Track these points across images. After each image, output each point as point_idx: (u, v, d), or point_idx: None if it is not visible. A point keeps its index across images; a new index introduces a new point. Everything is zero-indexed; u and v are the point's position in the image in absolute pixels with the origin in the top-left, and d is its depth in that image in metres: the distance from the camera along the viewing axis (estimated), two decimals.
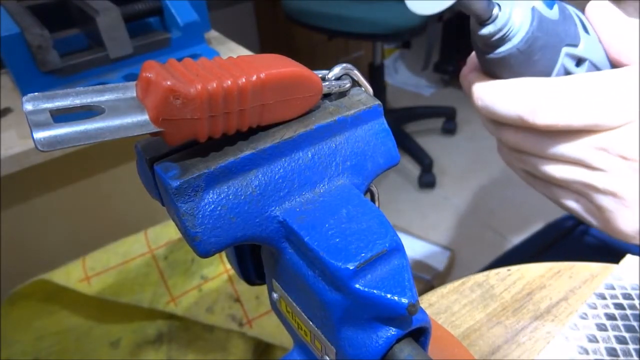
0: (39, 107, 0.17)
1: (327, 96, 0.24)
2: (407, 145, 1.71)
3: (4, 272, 0.72)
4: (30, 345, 0.58)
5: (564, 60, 0.31)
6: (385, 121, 0.24)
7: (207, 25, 0.83)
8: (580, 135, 0.31)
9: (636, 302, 0.34)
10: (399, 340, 0.20)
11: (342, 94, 0.24)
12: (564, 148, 0.32)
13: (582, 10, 0.34)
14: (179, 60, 0.19)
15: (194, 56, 0.70)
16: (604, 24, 0.33)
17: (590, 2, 0.34)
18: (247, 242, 0.21)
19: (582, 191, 0.33)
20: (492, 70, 0.32)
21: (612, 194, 0.31)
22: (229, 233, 0.20)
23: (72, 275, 0.58)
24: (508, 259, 0.68)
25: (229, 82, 0.18)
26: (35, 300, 0.59)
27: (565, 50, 0.31)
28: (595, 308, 0.34)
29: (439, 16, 1.49)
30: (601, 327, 0.32)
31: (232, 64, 0.20)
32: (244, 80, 0.19)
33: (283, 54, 0.22)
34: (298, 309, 0.23)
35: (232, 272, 0.61)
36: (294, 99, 0.21)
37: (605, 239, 0.58)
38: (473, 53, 0.36)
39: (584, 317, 0.33)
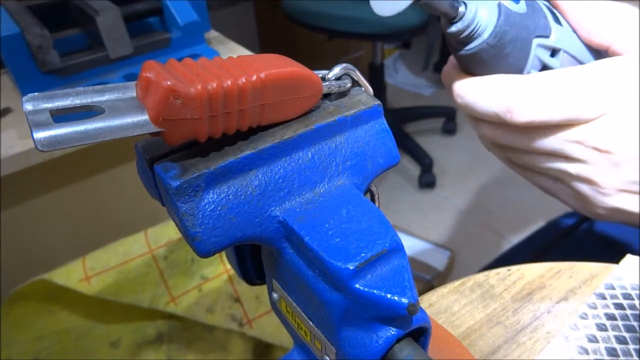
0: (39, 107, 0.17)
1: (327, 96, 0.24)
2: (407, 145, 1.71)
3: (4, 272, 0.72)
4: (30, 345, 0.58)
5: (537, 52, 0.32)
6: (385, 121, 0.24)
7: (207, 25, 0.83)
8: (557, 130, 0.32)
9: (636, 302, 0.34)
10: (399, 340, 0.20)
11: (342, 94, 0.24)
12: (542, 142, 0.33)
13: None
14: (179, 60, 0.19)
15: (194, 56, 0.70)
16: (571, 7, 0.34)
17: None
18: (247, 242, 0.21)
19: (559, 178, 0.34)
20: (468, 66, 0.33)
21: (588, 182, 0.33)
22: (229, 233, 0.20)
23: (72, 275, 0.58)
24: (508, 258, 0.68)
25: (229, 82, 0.18)
26: (35, 300, 0.59)
27: (536, 41, 0.31)
28: (595, 308, 0.34)
29: (439, 16, 1.49)
30: (601, 327, 0.32)
31: (232, 64, 0.20)
32: (244, 80, 0.19)
33: (283, 54, 0.22)
34: (298, 309, 0.23)
35: (232, 272, 0.61)
36: (294, 99, 0.21)
37: (607, 238, 0.58)
38: (451, 59, 0.36)
39: (584, 317, 0.33)
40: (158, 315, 0.62)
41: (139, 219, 0.71)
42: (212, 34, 0.90)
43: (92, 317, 0.62)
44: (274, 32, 1.94)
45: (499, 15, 0.30)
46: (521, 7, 0.31)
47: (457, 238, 1.50)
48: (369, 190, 0.25)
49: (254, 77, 0.19)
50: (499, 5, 0.30)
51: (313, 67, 0.22)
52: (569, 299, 0.35)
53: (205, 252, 0.19)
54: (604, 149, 0.31)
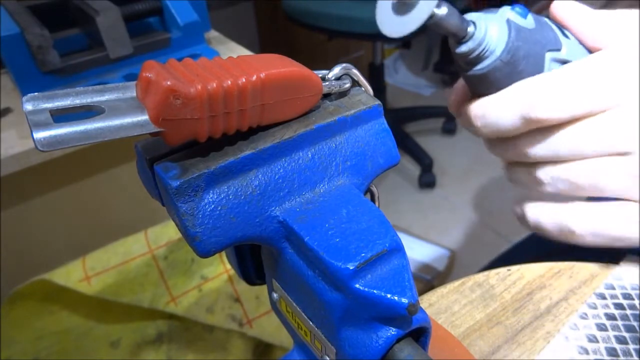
0: (39, 107, 0.17)
1: (327, 96, 0.24)
2: (407, 145, 1.71)
3: (4, 272, 0.72)
4: (30, 345, 0.58)
5: (550, 66, 0.31)
6: (385, 121, 0.24)
7: (207, 25, 0.83)
8: (594, 121, 0.30)
9: (636, 302, 0.34)
10: (399, 340, 0.20)
11: (342, 94, 0.24)
12: (582, 137, 0.30)
13: None
14: (179, 60, 0.19)
15: (194, 56, 0.70)
16: (574, 18, 0.33)
17: (553, 3, 0.33)
18: (247, 242, 0.21)
19: (623, 190, 0.31)
20: (479, 88, 0.32)
21: None
22: (229, 233, 0.20)
23: (72, 275, 0.58)
24: (508, 258, 0.67)
25: (229, 82, 0.18)
26: (35, 300, 0.59)
27: (549, 55, 0.31)
28: (595, 308, 0.34)
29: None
30: (601, 327, 0.32)
31: (232, 64, 0.20)
32: (243, 80, 0.19)
33: (283, 54, 0.22)
34: (298, 309, 0.23)
35: (232, 272, 0.61)
36: (294, 99, 0.21)
37: None
38: (458, 82, 0.36)
39: (584, 317, 0.33)
40: (158, 315, 0.62)
41: (139, 219, 0.71)
42: (212, 34, 0.90)
43: (92, 317, 0.62)
44: (274, 32, 1.94)
45: (510, 31, 0.29)
46: (529, 23, 0.30)
47: (457, 238, 1.50)
48: (369, 190, 0.25)
49: (254, 77, 0.19)
50: (508, 21, 0.29)
51: (313, 67, 0.22)
52: (569, 299, 0.35)
53: (205, 252, 0.19)
54: None
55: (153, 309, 0.59)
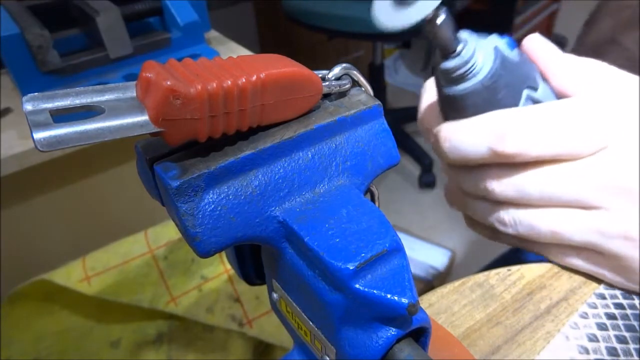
0: (39, 107, 0.17)
1: (327, 96, 0.24)
2: (407, 145, 1.71)
3: (4, 272, 0.72)
4: (30, 345, 0.58)
5: (525, 103, 0.31)
6: (385, 121, 0.24)
7: (207, 25, 0.83)
8: (566, 169, 0.29)
9: (636, 301, 0.34)
10: (399, 340, 0.20)
11: (342, 94, 0.24)
12: (552, 183, 0.30)
13: None
14: (179, 60, 0.19)
15: (194, 56, 0.70)
16: (543, 55, 0.32)
17: (528, 36, 0.33)
18: (247, 242, 0.21)
19: (585, 243, 0.31)
20: (454, 110, 0.32)
21: (622, 236, 0.29)
22: (229, 233, 0.20)
23: (72, 275, 0.58)
24: (508, 258, 0.67)
25: (229, 82, 0.18)
26: (35, 300, 0.59)
27: (526, 92, 0.31)
28: (596, 308, 0.34)
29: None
30: (601, 327, 0.32)
31: (232, 64, 0.20)
32: (243, 80, 0.19)
33: (283, 54, 0.22)
34: (298, 309, 0.23)
35: (232, 272, 0.61)
36: (294, 99, 0.21)
37: None
38: (427, 101, 0.36)
39: (584, 316, 0.33)
40: (158, 315, 0.62)
41: (139, 219, 0.71)
42: (212, 34, 0.90)
43: (92, 317, 0.62)
44: (274, 32, 1.94)
45: (496, 58, 0.29)
46: (515, 55, 0.30)
47: (457, 238, 1.50)
48: (369, 190, 0.25)
49: (254, 77, 0.19)
50: (496, 49, 0.29)
51: (313, 67, 0.22)
52: (569, 299, 0.35)
53: (205, 252, 0.19)
54: (627, 186, 0.27)
55: (153, 309, 0.59)
